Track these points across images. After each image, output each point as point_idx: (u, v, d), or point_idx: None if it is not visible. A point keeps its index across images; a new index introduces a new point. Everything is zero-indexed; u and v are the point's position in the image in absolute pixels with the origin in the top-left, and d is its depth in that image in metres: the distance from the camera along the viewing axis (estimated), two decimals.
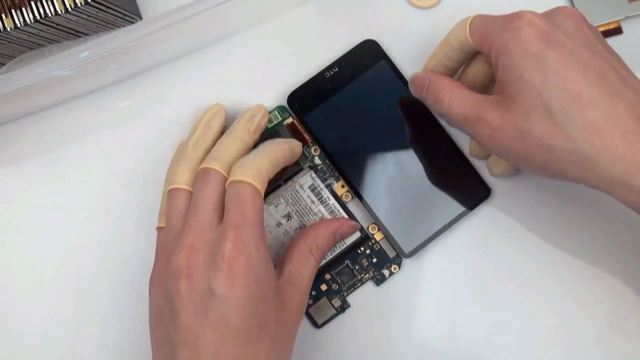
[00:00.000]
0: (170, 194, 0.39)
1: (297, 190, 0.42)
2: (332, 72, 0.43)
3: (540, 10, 0.37)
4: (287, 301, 0.37)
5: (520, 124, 0.35)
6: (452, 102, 0.37)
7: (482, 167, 0.43)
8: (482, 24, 0.37)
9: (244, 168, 0.36)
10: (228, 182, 0.36)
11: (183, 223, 0.37)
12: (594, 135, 0.33)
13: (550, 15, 0.36)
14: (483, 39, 0.37)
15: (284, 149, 0.39)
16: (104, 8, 0.39)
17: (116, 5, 0.40)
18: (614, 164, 0.33)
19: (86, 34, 0.43)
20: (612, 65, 0.35)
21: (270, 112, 0.43)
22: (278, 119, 0.43)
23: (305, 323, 0.42)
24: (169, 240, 0.37)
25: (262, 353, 0.35)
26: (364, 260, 0.42)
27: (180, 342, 0.34)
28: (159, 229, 0.39)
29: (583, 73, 0.34)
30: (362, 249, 0.42)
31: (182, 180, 0.38)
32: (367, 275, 0.42)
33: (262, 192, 0.37)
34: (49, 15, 0.38)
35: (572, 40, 0.35)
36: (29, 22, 0.38)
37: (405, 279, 0.42)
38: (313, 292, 0.42)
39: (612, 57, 0.36)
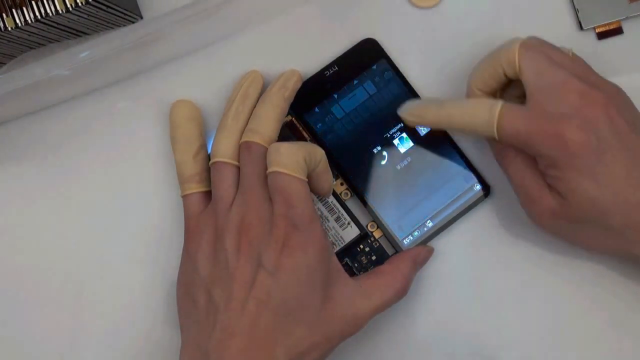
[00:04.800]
0: (215, 167, 0.40)
1: None
2: (331, 71, 0.43)
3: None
4: (340, 303, 0.37)
5: (575, 226, 0.37)
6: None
7: (482, 165, 0.43)
8: (518, 124, 0.37)
9: (281, 156, 0.37)
10: (268, 171, 0.37)
11: (233, 196, 0.38)
12: None
13: (588, 118, 0.36)
14: (524, 141, 0.37)
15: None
16: (104, 7, 0.40)
17: (117, 5, 0.40)
18: None
19: (87, 34, 0.43)
20: None
21: None
22: None
23: None
24: (218, 211, 0.38)
25: (295, 334, 0.36)
26: (363, 257, 0.42)
27: (223, 307, 0.36)
28: (187, 195, 0.40)
29: (634, 178, 0.35)
30: (362, 246, 0.42)
31: (226, 153, 0.39)
32: None
33: (304, 176, 0.37)
34: (50, 14, 0.38)
35: (613, 144, 0.35)
36: (29, 21, 0.38)
37: None
38: None
39: None
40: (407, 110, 0.41)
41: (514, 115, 0.37)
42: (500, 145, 0.39)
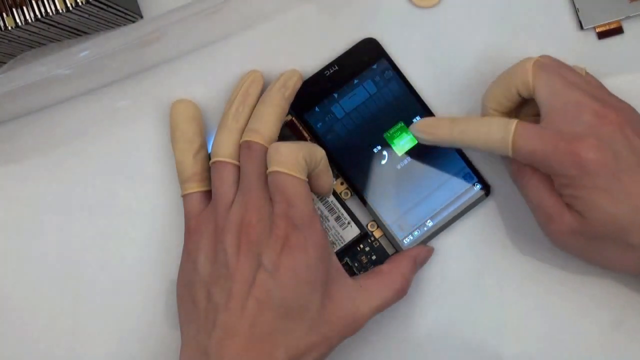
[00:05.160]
0: (215, 166, 0.40)
1: None
2: (332, 71, 0.43)
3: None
4: (340, 303, 0.37)
5: (594, 245, 0.37)
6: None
7: (482, 165, 0.42)
8: (534, 142, 0.36)
9: (281, 156, 0.37)
10: (268, 171, 0.37)
11: (233, 195, 0.38)
12: None
13: (604, 136, 0.35)
14: (540, 160, 0.37)
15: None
16: (105, 7, 0.40)
17: (117, 4, 0.40)
18: None
19: (87, 33, 0.43)
20: None
21: None
22: None
23: None
24: (218, 210, 0.38)
25: (295, 334, 0.36)
26: (364, 257, 0.42)
27: (223, 306, 0.36)
28: (187, 195, 0.40)
29: None
30: (362, 246, 0.42)
31: (227, 153, 0.39)
32: None
33: (304, 176, 0.37)
34: (50, 13, 0.38)
35: (630, 161, 0.35)
36: (30, 20, 0.38)
37: None
38: None
39: None
40: (419, 128, 0.41)
41: (529, 133, 0.37)
42: (517, 165, 0.39)
